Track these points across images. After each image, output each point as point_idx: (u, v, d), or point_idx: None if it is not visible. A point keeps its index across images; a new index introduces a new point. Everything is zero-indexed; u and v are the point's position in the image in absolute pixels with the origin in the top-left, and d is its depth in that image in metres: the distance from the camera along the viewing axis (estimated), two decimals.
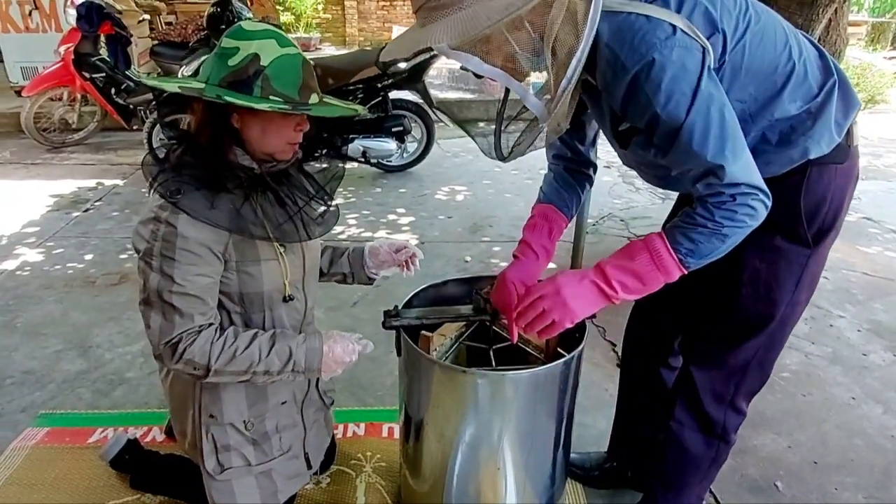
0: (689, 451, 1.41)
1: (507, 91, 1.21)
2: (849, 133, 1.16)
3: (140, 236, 1.18)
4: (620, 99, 1.04)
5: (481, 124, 1.29)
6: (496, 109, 1.26)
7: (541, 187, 1.46)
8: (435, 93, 4.41)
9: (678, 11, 1.00)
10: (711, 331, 1.33)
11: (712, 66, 1.00)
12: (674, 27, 0.97)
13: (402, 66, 4.02)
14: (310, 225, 1.29)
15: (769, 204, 1.04)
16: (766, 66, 1.08)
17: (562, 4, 0.94)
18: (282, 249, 1.28)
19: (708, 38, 1.00)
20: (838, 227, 1.23)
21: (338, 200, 4.27)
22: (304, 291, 1.38)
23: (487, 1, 0.91)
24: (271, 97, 1.13)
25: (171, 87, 1.17)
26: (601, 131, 1.31)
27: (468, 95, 6.53)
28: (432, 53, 4.16)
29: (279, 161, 1.24)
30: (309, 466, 1.50)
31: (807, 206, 1.17)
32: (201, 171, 1.17)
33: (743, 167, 1.00)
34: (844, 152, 1.16)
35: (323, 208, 1.36)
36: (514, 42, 0.96)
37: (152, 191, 1.19)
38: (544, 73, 0.99)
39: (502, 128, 1.23)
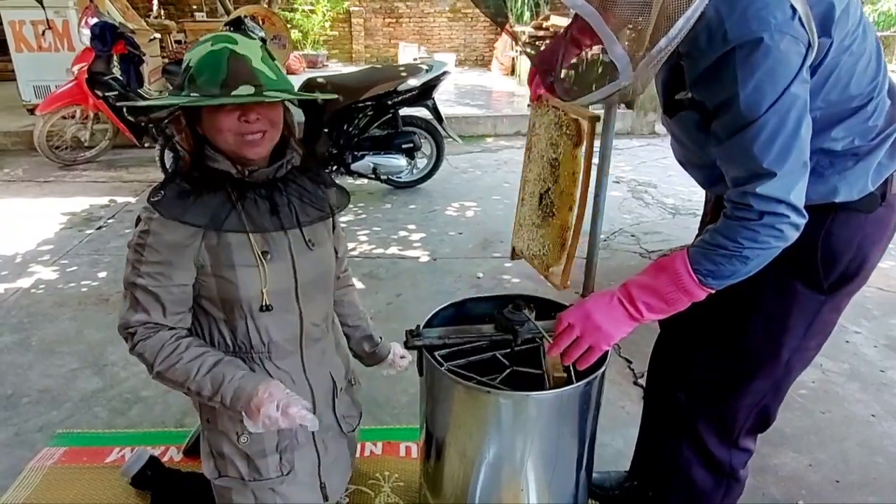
0: (698, 485, 1.41)
1: (576, 18, 1.09)
2: (888, 182, 1.11)
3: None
4: (703, 69, 0.95)
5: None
6: (564, 36, 1.15)
7: None
8: (443, 109, 4.44)
9: None
10: (717, 371, 1.31)
11: (808, 66, 0.93)
12: (794, 10, 0.89)
13: (413, 83, 4.06)
14: (288, 218, 1.25)
15: (801, 225, 0.99)
16: (844, 95, 1.02)
17: None
18: (266, 258, 1.24)
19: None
20: (863, 276, 1.17)
21: (348, 216, 4.29)
22: (298, 304, 1.31)
23: None
24: (192, 94, 1.14)
25: (140, 105, 1.29)
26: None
27: (476, 111, 6.58)
28: (441, 72, 4.20)
29: (250, 159, 1.21)
30: (325, 498, 1.42)
31: (826, 251, 1.12)
32: (183, 176, 1.22)
33: (789, 183, 0.94)
34: (874, 202, 1.10)
35: (319, 212, 1.31)
36: None
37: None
38: (641, 23, 0.88)
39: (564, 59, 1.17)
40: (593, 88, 1.06)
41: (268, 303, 1.26)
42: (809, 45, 0.92)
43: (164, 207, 1.18)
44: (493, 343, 1.42)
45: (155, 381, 2.20)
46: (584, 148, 1.30)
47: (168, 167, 4.24)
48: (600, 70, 1.09)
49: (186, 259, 1.21)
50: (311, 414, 1.20)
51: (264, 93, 1.14)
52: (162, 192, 1.20)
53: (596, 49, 1.14)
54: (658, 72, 1.09)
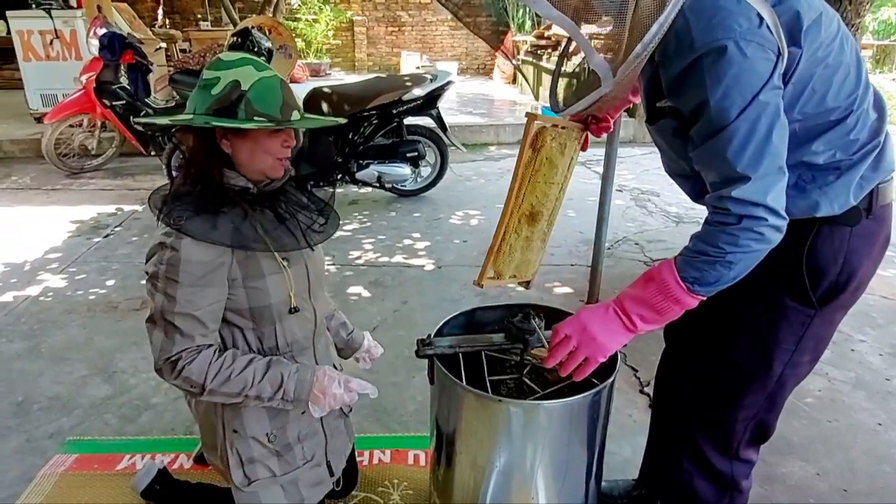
0: (701, 497, 1.42)
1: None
2: (873, 195, 1.11)
3: (150, 262, 1.24)
4: (674, 76, 0.96)
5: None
6: (559, 53, 1.20)
7: None
8: (446, 118, 4.47)
9: (773, 5, 0.93)
10: (712, 385, 1.31)
11: (780, 74, 0.94)
12: (761, 18, 0.90)
13: (418, 92, 4.09)
14: (307, 234, 1.34)
15: (782, 227, 0.99)
16: (821, 108, 1.02)
17: None
18: (285, 263, 1.32)
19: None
20: (855, 289, 1.16)
21: (353, 225, 4.32)
22: (311, 302, 1.41)
23: None
24: (255, 118, 1.20)
25: (162, 121, 1.28)
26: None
27: (479, 120, 6.62)
28: (445, 82, 4.24)
29: (273, 178, 1.31)
30: (331, 473, 1.52)
31: (812, 265, 1.11)
32: (199, 196, 1.23)
33: (765, 186, 0.95)
34: (857, 216, 1.10)
35: (321, 220, 1.40)
36: None
37: (158, 221, 1.25)
38: (616, 32, 0.89)
39: (560, 75, 1.19)
40: (580, 98, 1.07)
41: (295, 305, 1.34)
42: (779, 53, 0.92)
43: (192, 230, 1.19)
44: (503, 352, 1.43)
45: (165, 388, 2.25)
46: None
47: (175, 177, 4.26)
48: (585, 80, 1.11)
49: (221, 276, 1.24)
50: (370, 384, 1.33)
51: (306, 116, 1.26)
52: (182, 215, 1.20)
53: (577, 59, 1.16)
54: (640, 81, 1.11)
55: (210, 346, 1.26)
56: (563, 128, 1.38)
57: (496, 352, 1.46)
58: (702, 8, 0.91)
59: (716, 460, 1.36)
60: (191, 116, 1.21)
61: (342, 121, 1.50)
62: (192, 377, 1.22)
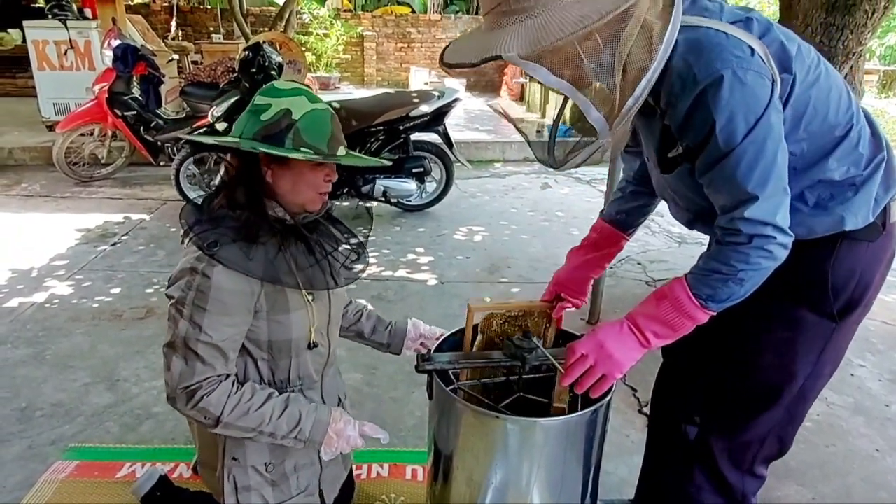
0: None
1: (567, 98, 1.22)
2: (885, 211, 1.17)
3: (176, 286, 1.22)
4: (683, 114, 1.02)
5: (535, 132, 1.30)
6: (554, 119, 1.28)
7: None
8: (452, 134, 4.52)
9: (758, 38, 1.01)
10: (730, 399, 1.33)
11: (778, 98, 1.00)
12: (752, 49, 0.98)
13: (425, 109, 4.14)
14: (338, 273, 1.33)
15: (789, 245, 1.04)
16: (825, 126, 1.09)
17: (637, 20, 0.92)
18: (310, 298, 1.32)
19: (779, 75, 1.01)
20: (866, 303, 1.21)
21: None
22: (328, 337, 1.41)
23: (560, 10, 0.90)
24: (302, 148, 1.18)
25: (209, 141, 1.27)
26: (645, 155, 1.29)
27: (485, 136, 6.67)
28: (452, 99, 4.29)
29: (310, 212, 1.29)
30: (323, 502, 1.51)
31: (835, 279, 1.16)
32: (237, 223, 1.22)
33: (773, 206, 1.01)
34: (876, 231, 1.16)
35: (354, 256, 1.40)
36: (584, 55, 0.92)
37: (188, 241, 1.23)
38: (610, 88, 0.96)
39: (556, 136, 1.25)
40: (578, 152, 1.12)
41: (314, 341, 1.33)
42: (773, 80, 1.00)
43: (226, 259, 1.17)
44: (502, 369, 1.45)
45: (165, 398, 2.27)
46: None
47: (182, 188, 4.31)
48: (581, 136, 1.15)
49: (248, 306, 1.23)
50: (381, 429, 1.33)
51: (351, 154, 1.27)
52: (218, 240, 1.18)
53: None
54: (651, 138, 1.19)
55: (228, 376, 1.24)
56: (519, 312, 1.45)
57: (494, 369, 1.48)
58: (699, 49, 0.99)
59: (729, 474, 1.37)
60: (237, 139, 1.20)
61: (387, 163, 1.51)
62: (210, 408, 1.20)
